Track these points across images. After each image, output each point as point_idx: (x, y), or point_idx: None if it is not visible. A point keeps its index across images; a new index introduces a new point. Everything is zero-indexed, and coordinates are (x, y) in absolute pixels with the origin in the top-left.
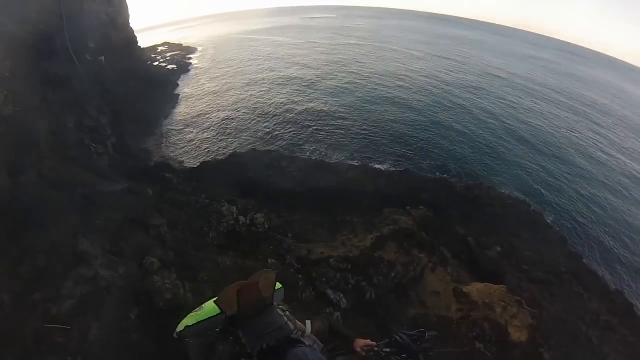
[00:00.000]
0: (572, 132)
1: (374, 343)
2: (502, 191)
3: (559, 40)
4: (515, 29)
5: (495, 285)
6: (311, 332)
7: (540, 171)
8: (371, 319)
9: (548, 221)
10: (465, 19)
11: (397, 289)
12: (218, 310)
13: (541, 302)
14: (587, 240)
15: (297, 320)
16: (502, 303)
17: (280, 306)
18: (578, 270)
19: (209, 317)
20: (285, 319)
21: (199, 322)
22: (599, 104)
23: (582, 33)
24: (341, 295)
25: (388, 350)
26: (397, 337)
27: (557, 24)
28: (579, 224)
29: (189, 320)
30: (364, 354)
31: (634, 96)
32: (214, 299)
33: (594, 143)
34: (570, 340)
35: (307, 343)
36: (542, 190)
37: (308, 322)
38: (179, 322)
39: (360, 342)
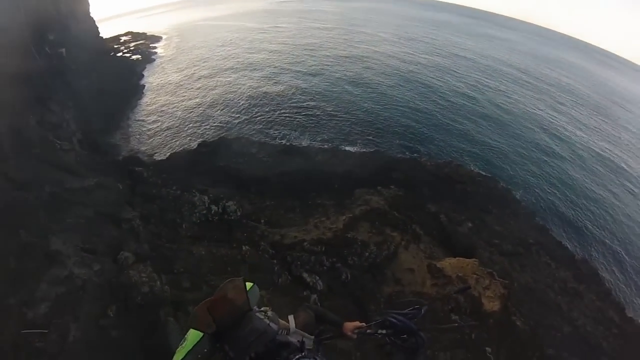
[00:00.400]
0: (537, 110)
1: (364, 324)
2: (472, 169)
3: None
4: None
5: (468, 260)
6: (297, 327)
7: (508, 149)
8: (348, 299)
9: (516, 196)
10: (442, 2)
11: (372, 269)
12: (201, 334)
13: (512, 273)
14: (553, 213)
15: (280, 319)
16: (475, 276)
17: (261, 308)
18: (545, 241)
19: (195, 345)
20: (267, 321)
21: (187, 353)
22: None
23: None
24: (317, 277)
25: (384, 332)
26: (391, 319)
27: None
28: (545, 199)
29: (177, 356)
30: (355, 337)
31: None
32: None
33: (557, 121)
34: (541, 307)
35: (294, 340)
36: (510, 167)
37: (291, 318)
38: None
39: (350, 326)
